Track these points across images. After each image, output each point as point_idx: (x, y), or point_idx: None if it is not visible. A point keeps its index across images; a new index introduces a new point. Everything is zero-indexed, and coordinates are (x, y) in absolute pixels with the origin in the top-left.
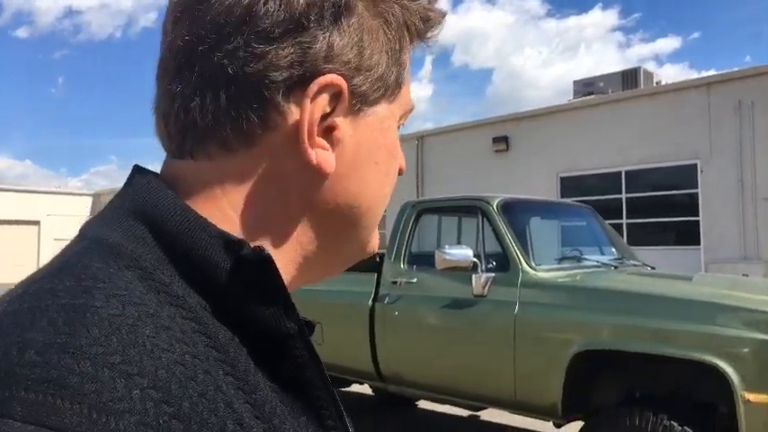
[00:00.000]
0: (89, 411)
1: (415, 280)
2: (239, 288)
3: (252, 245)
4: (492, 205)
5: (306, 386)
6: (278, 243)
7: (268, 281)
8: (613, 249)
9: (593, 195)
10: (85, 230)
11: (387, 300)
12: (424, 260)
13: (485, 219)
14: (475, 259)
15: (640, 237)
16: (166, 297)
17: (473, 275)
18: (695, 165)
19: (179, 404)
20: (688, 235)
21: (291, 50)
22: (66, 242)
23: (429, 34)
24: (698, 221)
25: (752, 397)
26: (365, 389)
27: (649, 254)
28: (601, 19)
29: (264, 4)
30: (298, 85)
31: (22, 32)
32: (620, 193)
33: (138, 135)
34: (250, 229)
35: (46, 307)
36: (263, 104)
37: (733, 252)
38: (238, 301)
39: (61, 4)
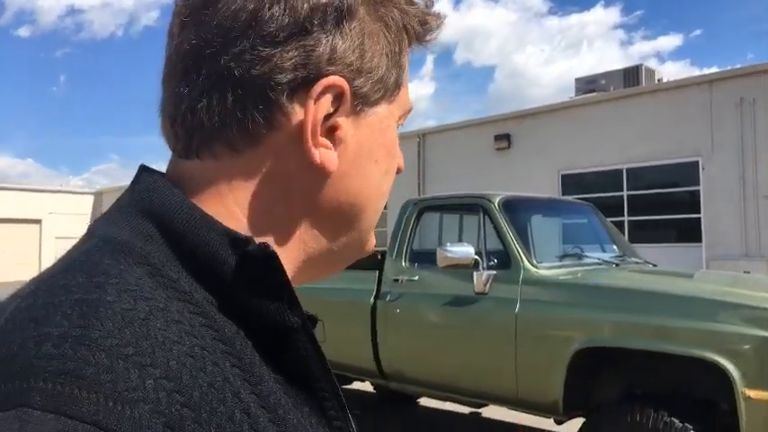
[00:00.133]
0: (105, 400)
1: (416, 277)
2: (245, 283)
3: (257, 241)
4: (493, 203)
5: (309, 378)
6: (282, 240)
7: (273, 276)
8: (615, 247)
9: (594, 193)
10: (93, 229)
11: (388, 297)
12: (425, 258)
13: (486, 216)
14: (476, 257)
15: (642, 234)
16: (174, 293)
17: (474, 273)
18: (697, 162)
19: (190, 393)
20: (689, 232)
21: (296, 53)
22: (68, 241)
23: (427, 37)
24: (699, 219)
25: (753, 394)
26: (367, 386)
27: (651, 251)
28: (603, 16)
29: (269, 8)
30: (302, 87)
31: (23, 31)
32: (622, 190)
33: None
34: (255, 226)
35: (60, 302)
36: (268, 105)
37: (734, 249)
38: (244, 296)
39: (63, 3)
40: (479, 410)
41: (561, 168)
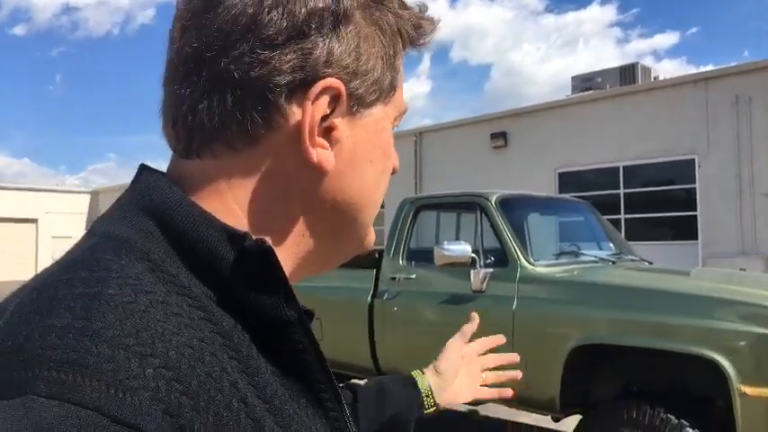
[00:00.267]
0: (107, 388)
1: (413, 276)
2: (242, 278)
3: (254, 237)
4: (490, 201)
5: (305, 371)
6: (280, 237)
7: (269, 271)
8: (611, 245)
9: (591, 191)
10: (95, 227)
11: (386, 296)
12: (422, 256)
13: (483, 215)
14: (473, 255)
15: (638, 232)
16: (174, 287)
17: (471, 271)
18: (693, 160)
19: (188, 382)
20: (686, 230)
21: (294, 56)
22: (65, 240)
23: (421, 41)
24: (696, 216)
25: (748, 390)
26: None
27: (647, 249)
28: (599, 14)
29: (268, 13)
30: (299, 89)
31: (19, 30)
32: (618, 188)
33: (136, 133)
34: (254, 224)
35: (63, 296)
36: (266, 106)
37: (731, 247)
38: (241, 291)
39: (59, 1)
40: (476, 408)
41: (558, 166)
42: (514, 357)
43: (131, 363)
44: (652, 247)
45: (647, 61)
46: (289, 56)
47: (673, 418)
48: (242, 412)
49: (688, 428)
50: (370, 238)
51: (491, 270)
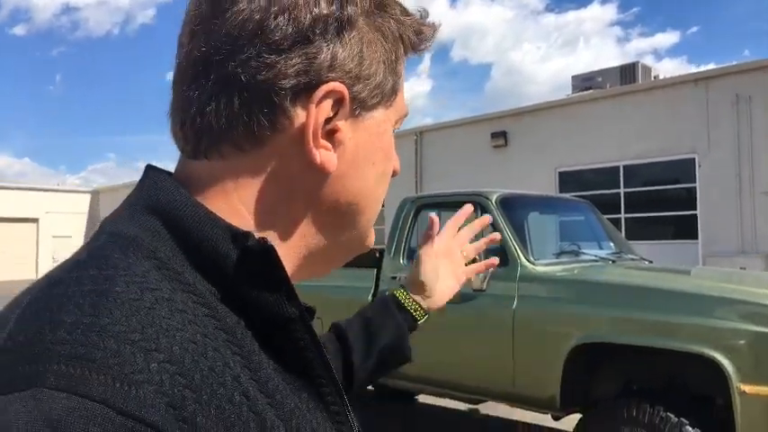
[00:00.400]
0: (113, 381)
1: None
2: (245, 276)
3: (257, 236)
4: (491, 200)
5: (307, 366)
6: (284, 236)
7: (271, 270)
8: (611, 244)
9: (591, 190)
10: (104, 226)
11: None
12: None
13: (483, 214)
14: None
15: (638, 231)
16: (179, 284)
17: None
18: (693, 159)
19: (191, 376)
20: (686, 229)
21: (299, 60)
22: (65, 240)
23: (422, 46)
24: (696, 215)
25: (748, 389)
26: None
27: (647, 248)
28: (600, 13)
29: (275, 19)
30: (304, 92)
31: (19, 30)
32: (619, 187)
33: (136, 133)
34: (258, 223)
35: (72, 293)
36: (272, 109)
37: (731, 246)
38: (244, 289)
39: (59, 1)
40: (477, 407)
41: (558, 166)
42: (495, 236)
43: (136, 357)
44: (652, 246)
45: (648, 60)
46: (294, 60)
47: (673, 416)
48: (244, 405)
49: (688, 427)
50: (370, 239)
51: (491, 269)
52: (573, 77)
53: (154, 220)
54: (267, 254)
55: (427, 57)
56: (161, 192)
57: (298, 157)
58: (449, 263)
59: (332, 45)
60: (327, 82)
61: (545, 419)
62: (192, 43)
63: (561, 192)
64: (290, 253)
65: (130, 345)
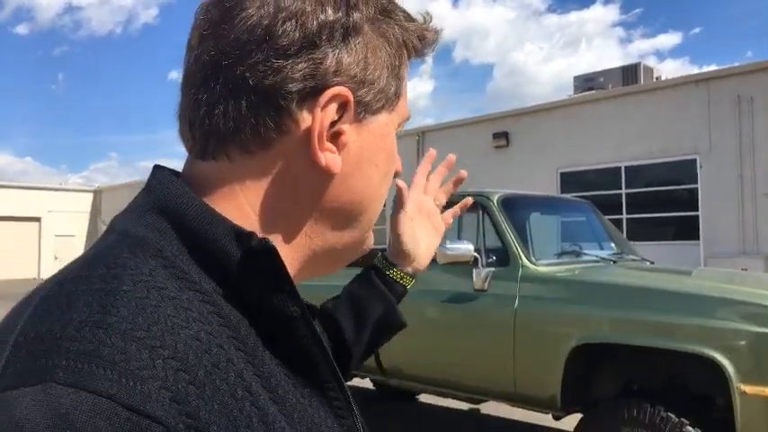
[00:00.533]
0: (119, 377)
1: None
2: (249, 275)
3: (261, 237)
4: (492, 200)
5: (309, 363)
6: (289, 236)
7: (274, 269)
8: (612, 244)
9: (592, 191)
10: (113, 224)
11: None
12: None
13: (485, 214)
14: (475, 254)
15: (640, 232)
16: (185, 283)
17: (474, 270)
18: (695, 160)
19: (195, 372)
20: (687, 230)
21: (305, 65)
22: (67, 239)
23: (425, 51)
24: (697, 216)
25: (748, 389)
26: (367, 383)
27: (649, 249)
28: (602, 14)
29: (282, 24)
30: (310, 96)
31: (22, 29)
32: (620, 188)
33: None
34: (264, 223)
35: (82, 291)
36: (279, 112)
37: (732, 247)
38: (248, 287)
39: (61, 0)
40: (478, 406)
41: (560, 166)
42: (462, 174)
43: (142, 354)
44: (654, 246)
45: (650, 61)
46: (300, 65)
47: (673, 416)
48: (246, 400)
49: (688, 427)
50: (370, 241)
51: (493, 269)
52: (575, 78)
53: (161, 220)
54: (269, 254)
55: (429, 57)
56: (168, 192)
57: (303, 159)
58: (424, 219)
59: (338, 50)
60: (333, 86)
61: (545, 419)
62: (201, 47)
63: (562, 192)
64: (294, 252)
65: (136, 342)
